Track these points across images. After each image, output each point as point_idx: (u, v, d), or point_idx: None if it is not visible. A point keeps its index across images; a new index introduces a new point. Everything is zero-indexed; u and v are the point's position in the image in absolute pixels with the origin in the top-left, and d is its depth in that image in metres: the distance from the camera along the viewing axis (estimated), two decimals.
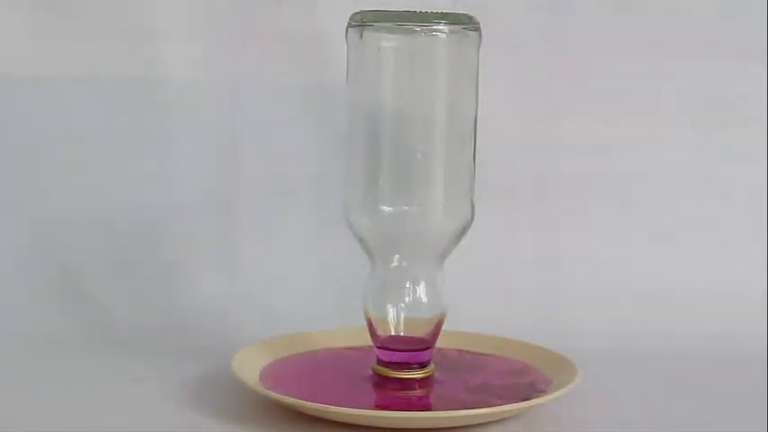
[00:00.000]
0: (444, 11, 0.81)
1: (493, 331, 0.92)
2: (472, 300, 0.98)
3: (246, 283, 1.03)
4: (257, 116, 1.04)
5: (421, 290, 0.84)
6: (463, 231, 0.83)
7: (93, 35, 1.03)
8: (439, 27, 0.80)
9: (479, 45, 0.82)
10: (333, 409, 0.77)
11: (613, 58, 1.05)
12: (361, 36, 0.81)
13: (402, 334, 0.84)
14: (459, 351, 0.91)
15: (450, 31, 0.80)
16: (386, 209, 0.82)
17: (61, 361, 0.92)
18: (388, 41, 0.81)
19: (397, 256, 0.84)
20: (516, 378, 0.86)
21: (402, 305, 0.84)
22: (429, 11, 0.80)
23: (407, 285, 0.84)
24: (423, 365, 0.85)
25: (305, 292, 1.03)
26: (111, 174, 1.03)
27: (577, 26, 1.05)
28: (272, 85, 1.04)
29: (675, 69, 1.06)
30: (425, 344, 0.84)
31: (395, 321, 0.84)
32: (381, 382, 0.84)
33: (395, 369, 0.84)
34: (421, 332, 0.84)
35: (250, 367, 0.85)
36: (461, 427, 0.78)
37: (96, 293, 1.01)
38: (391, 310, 0.84)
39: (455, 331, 0.90)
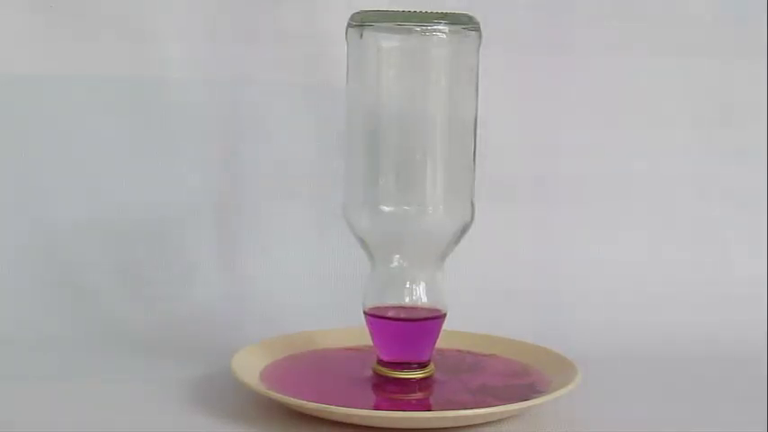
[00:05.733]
0: (444, 11, 0.81)
1: (493, 331, 0.92)
2: (472, 300, 0.99)
3: (246, 283, 1.03)
4: (257, 116, 1.04)
5: (421, 290, 0.84)
6: (463, 231, 0.83)
7: (93, 35, 1.03)
8: (439, 27, 0.80)
9: (479, 45, 0.82)
10: (333, 409, 0.77)
11: (613, 58, 1.05)
12: (361, 36, 0.81)
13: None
14: (459, 351, 0.91)
15: (451, 31, 0.80)
16: (386, 209, 0.82)
17: (61, 361, 0.92)
18: (388, 41, 0.81)
19: (397, 256, 0.84)
20: (516, 379, 0.86)
21: (402, 305, 0.84)
22: (429, 11, 0.80)
23: (407, 285, 0.84)
24: (422, 365, 0.85)
25: (305, 292, 1.02)
26: (110, 173, 1.03)
27: (577, 26, 1.05)
28: (272, 84, 1.04)
29: (675, 69, 1.06)
30: (433, 313, 0.84)
31: None
32: (381, 382, 0.84)
33: (395, 369, 0.84)
34: None
35: (250, 367, 0.85)
36: (461, 427, 0.78)
37: (96, 294, 1.01)
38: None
39: (455, 331, 0.90)
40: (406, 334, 0.84)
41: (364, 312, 0.84)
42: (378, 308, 0.84)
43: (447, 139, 0.82)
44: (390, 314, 0.83)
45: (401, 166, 0.82)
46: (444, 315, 0.84)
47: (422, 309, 0.84)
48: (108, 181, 1.03)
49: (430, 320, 0.84)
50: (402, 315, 0.84)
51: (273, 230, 1.04)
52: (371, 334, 0.84)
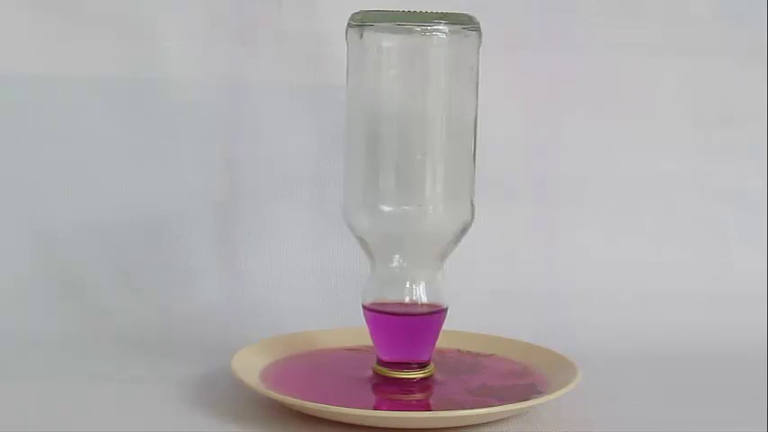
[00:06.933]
0: (444, 11, 0.81)
1: (493, 331, 0.92)
2: (472, 300, 0.99)
3: (246, 283, 1.03)
4: (257, 116, 1.04)
5: (421, 290, 0.84)
6: (463, 231, 0.83)
7: (93, 35, 1.03)
8: (439, 27, 0.80)
9: (479, 45, 0.82)
10: (333, 409, 0.77)
11: (613, 58, 1.05)
12: (361, 36, 0.81)
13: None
14: (459, 351, 0.91)
15: (451, 31, 0.80)
16: (386, 209, 0.82)
17: (61, 361, 0.92)
18: (388, 41, 0.81)
19: (397, 256, 0.84)
20: (516, 379, 0.86)
21: (402, 302, 0.84)
22: (429, 11, 0.80)
23: (407, 285, 0.84)
24: (422, 365, 0.85)
25: (305, 292, 1.02)
26: (110, 174, 1.03)
27: (577, 26, 1.05)
28: (271, 84, 1.04)
29: (675, 69, 1.06)
30: (433, 309, 0.84)
31: None
32: (381, 382, 0.84)
33: (394, 369, 0.84)
34: None
35: (250, 367, 0.85)
36: (461, 427, 0.78)
37: (96, 294, 1.01)
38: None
39: (455, 331, 0.90)
40: (405, 330, 0.84)
41: (363, 306, 0.84)
42: (377, 303, 0.84)
43: (447, 139, 0.82)
44: (390, 309, 0.83)
45: (401, 166, 0.82)
46: (445, 310, 0.84)
47: (422, 305, 0.84)
48: (108, 181, 1.03)
49: (429, 315, 0.83)
50: (402, 310, 0.84)
51: (273, 230, 1.04)
52: (371, 331, 0.84)
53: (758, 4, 1.06)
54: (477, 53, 0.82)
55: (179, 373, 0.89)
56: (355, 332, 0.91)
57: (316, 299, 1.02)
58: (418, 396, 0.84)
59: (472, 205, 0.84)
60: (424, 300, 0.84)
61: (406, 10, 0.80)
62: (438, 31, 0.80)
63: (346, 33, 0.82)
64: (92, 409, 0.82)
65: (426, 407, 0.83)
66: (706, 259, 1.06)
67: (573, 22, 1.05)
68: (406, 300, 0.84)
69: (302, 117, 1.04)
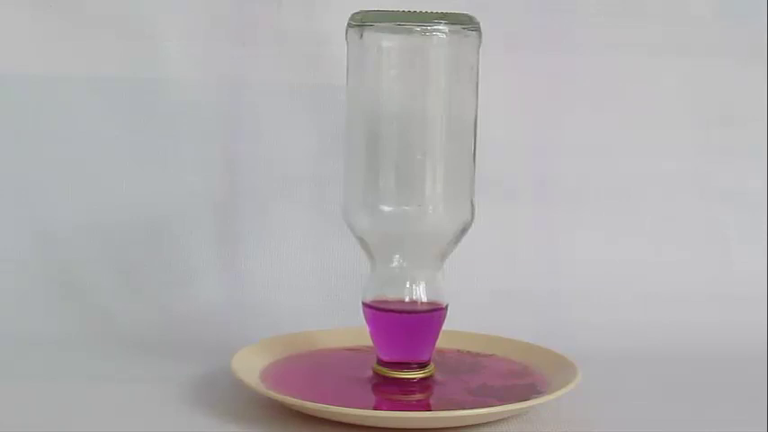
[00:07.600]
0: (444, 11, 0.81)
1: (493, 331, 0.92)
2: (472, 300, 0.99)
3: (246, 283, 1.03)
4: (257, 116, 1.04)
5: (421, 290, 0.84)
6: (463, 231, 0.83)
7: (93, 35, 1.03)
8: (439, 27, 0.80)
9: (479, 45, 0.82)
10: (333, 409, 0.77)
11: (613, 58, 1.05)
12: (361, 36, 0.81)
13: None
14: (459, 351, 0.91)
15: (451, 31, 0.80)
16: (386, 209, 0.82)
17: (61, 361, 0.92)
18: (388, 41, 0.81)
19: (397, 256, 0.84)
20: (516, 379, 0.86)
21: (402, 301, 0.84)
22: (429, 11, 0.80)
23: (407, 285, 0.84)
24: (422, 365, 0.85)
25: (305, 292, 1.02)
26: (111, 174, 1.03)
27: (577, 26, 1.05)
28: (271, 84, 1.04)
29: (675, 69, 1.06)
30: (432, 306, 0.84)
31: None
32: (381, 382, 0.84)
33: (394, 369, 0.84)
34: None
35: (250, 367, 0.85)
36: (461, 427, 0.78)
37: (96, 294, 1.01)
38: None
39: (455, 331, 0.90)
40: (405, 328, 0.84)
41: (364, 304, 0.84)
42: (377, 301, 0.84)
43: (447, 139, 0.82)
44: (390, 307, 0.83)
45: (401, 166, 0.82)
46: (445, 309, 0.84)
47: (422, 304, 0.84)
48: (108, 181, 1.03)
49: (430, 314, 0.83)
50: (402, 308, 0.84)
51: (273, 230, 1.04)
52: (370, 330, 0.84)
53: (758, 4, 1.06)
54: (477, 53, 0.82)
55: (179, 373, 0.89)
56: (355, 332, 0.91)
57: (316, 299, 1.02)
58: (418, 396, 0.84)
59: (472, 205, 0.84)
60: (424, 300, 0.84)
61: (406, 10, 0.80)
62: (438, 31, 0.80)
63: (346, 33, 0.82)
64: (92, 409, 0.82)
65: (426, 407, 0.83)
66: (706, 259, 1.06)
67: (573, 22, 1.05)
68: (406, 299, 0.84)
69: (302, 117, 1.04)
